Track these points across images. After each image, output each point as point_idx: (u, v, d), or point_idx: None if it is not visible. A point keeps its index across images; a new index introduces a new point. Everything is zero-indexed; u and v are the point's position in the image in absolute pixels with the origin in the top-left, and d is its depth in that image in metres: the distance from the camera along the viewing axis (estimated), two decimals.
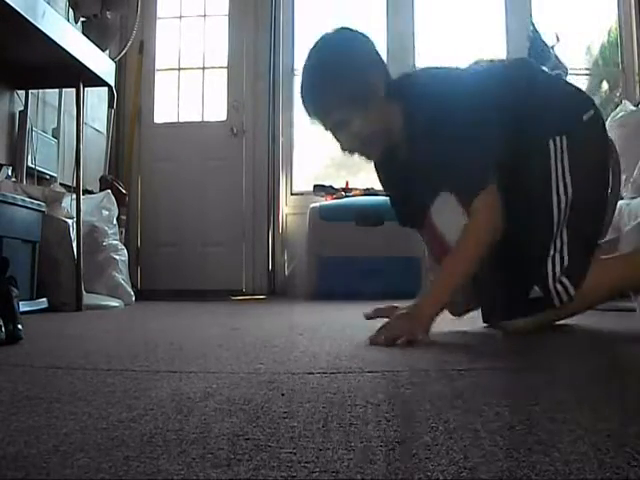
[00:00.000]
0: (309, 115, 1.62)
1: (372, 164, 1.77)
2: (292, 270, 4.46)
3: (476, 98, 1.49)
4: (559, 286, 1.44)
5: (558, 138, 1.52)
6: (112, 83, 3.22)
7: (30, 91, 3.25)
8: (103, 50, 3.35)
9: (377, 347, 1.41)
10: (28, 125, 3.24)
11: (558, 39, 3.94)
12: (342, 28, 1.63)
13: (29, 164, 3.25)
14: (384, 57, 1.64)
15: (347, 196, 4.22)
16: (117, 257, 3.35)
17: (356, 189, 4.26)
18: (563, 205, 1.48)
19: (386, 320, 1.48)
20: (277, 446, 0.61)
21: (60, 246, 2.86)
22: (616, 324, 1.78)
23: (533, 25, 3.94)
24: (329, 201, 4.18)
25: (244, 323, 2.24)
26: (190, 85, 4.78)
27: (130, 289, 3.39)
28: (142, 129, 4.66)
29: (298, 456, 0.57)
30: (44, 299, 2.68)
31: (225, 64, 4.73)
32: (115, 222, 3.48)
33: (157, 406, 0.79)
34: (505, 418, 0.70)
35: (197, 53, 4.77)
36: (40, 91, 3.41)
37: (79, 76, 2.92)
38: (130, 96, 4.62)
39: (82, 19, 3.57)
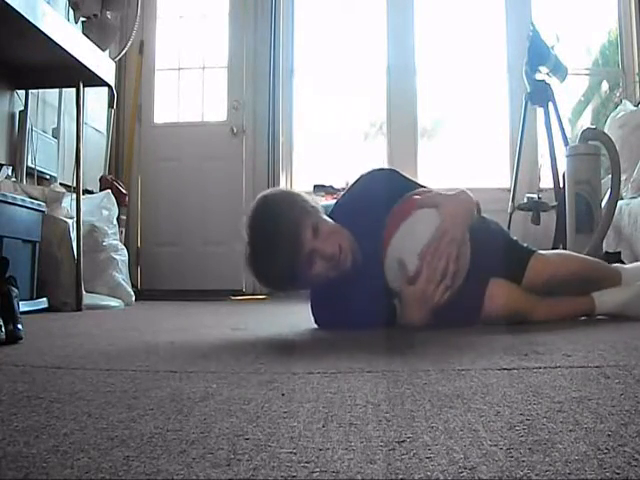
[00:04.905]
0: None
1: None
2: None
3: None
4: None
5: None
6: (112, 83, 3.22)
7: (30, 91, 3.25)
8: (103, 50, 3.35)
9: (376, 347, 1.42)
10: (28, 125, 3.24)
11: (558, 39, 3.94)
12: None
13: (29, 164, 3.25)
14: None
15: None
16: (117, 257, 3.35)
17: None
18: None
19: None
20: (277, 446, 0.61)
21: (60, 246, 2.86)
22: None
23: (533, 25, 3.94)
24: (329, 201, 4.18)
25: (244, 323, 2.24)
26: (190, 85, 4.78)
27: (130, 289, 3.39)
28: (142, 129, 4.66)
29: (298, 456, 0.57)
30: (44, 299, 2.68)
31: (225, 64, 4.73)
32: (115, 222, 3.48)
33: (157, 406, 0.79)
34: (505, 418, 0.70)
35: (197, 53, 4.78)
36: (40, 91, 3.41)
37: (79, 76, 2.92)
38: (130, 96, 4.62)
39: (82, 19, 3.57)
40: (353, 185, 1.93)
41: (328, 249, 1.68)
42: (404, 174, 1.95)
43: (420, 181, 2.00)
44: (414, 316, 1.66)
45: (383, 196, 1.76)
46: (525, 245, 1.90)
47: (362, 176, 1.92)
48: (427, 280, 1.60)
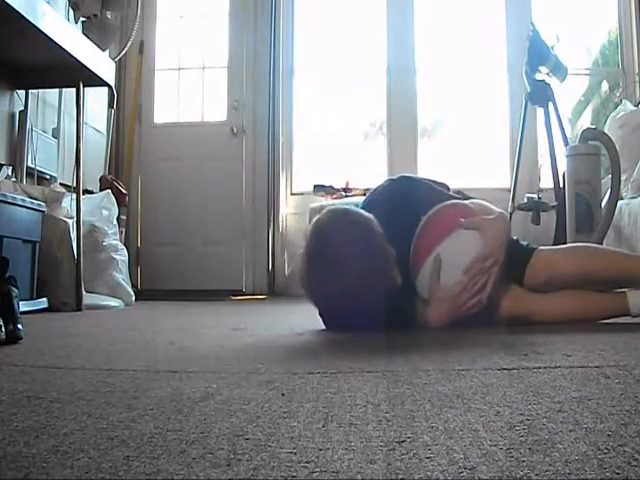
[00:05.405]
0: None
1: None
2: (292, 270, 4.46)
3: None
4: None
5: None
6: (112, 83, 3.22)
7: (30, 91, 3.24)
8: (103, 50, 3.35)
9: (376, 347, 1.42)
10: (28, 125, 3.24)
11: (558, 39, 3.94)
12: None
13: (29, 164, 3.25)
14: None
15: (347, 196, 4.22)
16: (117, 257, 3.35)
17: (356, 189, 4.26)
18: None
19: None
20: (277, 446, 0.61)
21: (60, 246, 2.86)
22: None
23: (533, 25, 3.94)
24: (329, 201, 4.18)
25: (244, 323, 2.24)
26: (190, 85, 4.78)
27: (130, 289, 3.39)
28: (142, 129, 4.66)
29: (298, 456, 0.57)
30: (44, 299, 2.68)
31: (225, 64, 4.73)
32: (115, 222, 3.48)
33: (157, 406, 0.79)
34: (505, 418, 0.70)
35: (197, 53, 4.78)
36: (40, 91, 3.41)
37: (79, 76, 2.92)
38: (130, 96, 4.62)
39: (82, 19, 3.57)
40: (381, 191, 1.90)
41: (395, 276, 1.66)
42: (434, 182, 1.94)
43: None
44: (438, 314, 1.66)
45: (415, 207, 1.76)
46: (525, 243, 1.89)
47: (391, 181, 1.90)
48: (464, 288, 1.64)
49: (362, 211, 1.74)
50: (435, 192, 1.87)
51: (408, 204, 1.76)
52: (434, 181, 1.94)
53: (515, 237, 1.94)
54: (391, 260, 1.65)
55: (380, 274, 1.61)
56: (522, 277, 1.78)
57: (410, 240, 1.74)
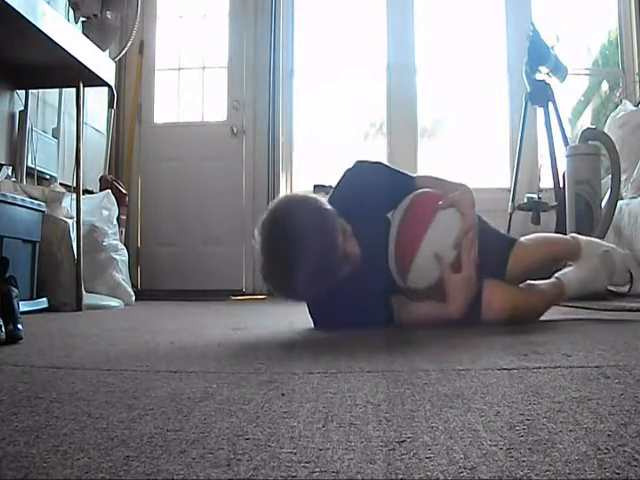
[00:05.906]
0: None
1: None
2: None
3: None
4: None
5: None
6: (112, 83, 3.22)
7: (30, 91, 3.24)
8: (103, 50, 3.35)
9: (376, 346, 1.42)
10: (28, 125, 3.24)
11: (558, 39, 3.94)
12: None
13: (29, 164, 3.25)
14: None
15: None
16: (117, 257, 3.35)
17: None
18: None
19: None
20: (277, 446, 0.61)
21: (60, 246, 2.86)
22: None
23: (533, 25, 3.94)
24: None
25: (244, 323, 2.24)
26: (190, 85, 4.78)
27: (130, 289, 3.39)
28: (142, 129, 4.66)
29: (298, 456, 0.57)
30: (44, 299, 2.68)
31: (225, 64, 4.73)
32: (115, 222, 3.48)
33: (157, 406, 0.79)
34: (505, 418, 0.70)
35: (197, 53, 4.78)
36: (40, 91, 3.41)
37: (79, 76, 2.92)
38: (130, 96, 4.62)
39: (82, 19, 3.57)
40: (340, 181, 1.89)
41: (355, 250, 1.68)
42: (387, 164, 1.97)
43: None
44: (460, 302, 1.66)
45: (375, 193, 1.77)
46: (505, 234, 1.93)
47: (348, 171, 1.88)
48: (467, 264, 1.66)
49: (306, 193, 1.78)
50: (389, 173, 1.90)
51: (364, 188, 1.79)
52: (398, 171, 1.94)
53: (494, 227, 1.95)
54: (349, 234, 1.67)
55: (342, 248, 1.62)
56: (504, 270, 1.80)
57: (374, 224, 1.75)
